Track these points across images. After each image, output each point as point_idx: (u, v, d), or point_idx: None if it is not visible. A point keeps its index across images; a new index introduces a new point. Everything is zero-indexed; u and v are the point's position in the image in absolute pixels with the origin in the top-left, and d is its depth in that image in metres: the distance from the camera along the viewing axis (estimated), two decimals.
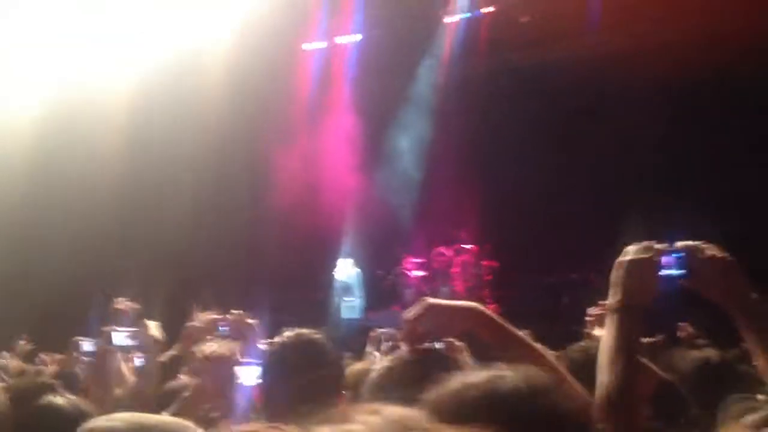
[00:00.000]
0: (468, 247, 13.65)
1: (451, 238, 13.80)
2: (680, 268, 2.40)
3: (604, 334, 2.38)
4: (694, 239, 2.44)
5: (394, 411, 1.16)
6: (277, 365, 2.68)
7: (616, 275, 2.40)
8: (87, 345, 4.86)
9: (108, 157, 14.46)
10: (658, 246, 2.41)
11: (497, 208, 13.25)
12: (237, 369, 3.07)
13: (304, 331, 2.79)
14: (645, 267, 2.37)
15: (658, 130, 12.08)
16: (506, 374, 1.46)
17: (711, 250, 2.40)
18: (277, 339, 2.81)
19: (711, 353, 3.53)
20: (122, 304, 4.95)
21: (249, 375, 3.01)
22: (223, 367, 3.12)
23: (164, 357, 3.79)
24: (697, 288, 2.40)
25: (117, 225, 14.50)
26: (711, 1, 11.18)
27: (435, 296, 11.49)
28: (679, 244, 2.43)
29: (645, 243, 2.42)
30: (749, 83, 11.33)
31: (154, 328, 3.74)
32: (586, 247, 11.90)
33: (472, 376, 1.49)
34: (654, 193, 12.12)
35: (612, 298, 2.39)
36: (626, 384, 2.21)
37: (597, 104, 12.65)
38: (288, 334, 2.78)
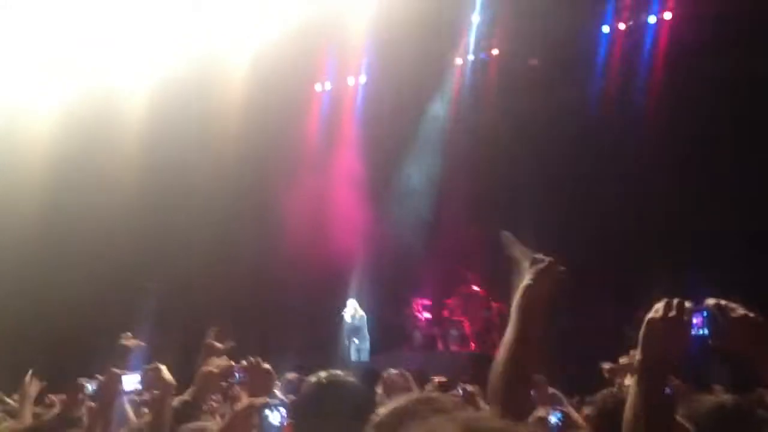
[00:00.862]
0: (477, 289, 13.55)
1: (460, 281, 13.70)
2: (706, 328, 2.35)
3: (630, 390, 2.34)
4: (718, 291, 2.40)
5: None
6: (310, 406, 2.67)
7: (642, 332, 2.34)
8: (92, 386, 4.80)
9: (120, 188, 14.55)
10: (681, 305, 2.34)
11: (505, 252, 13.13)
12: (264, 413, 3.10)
13: (338, 372, 2.83)
14: (671, 326, 2.32)
15: (677, 177, 12.02)
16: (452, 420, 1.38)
17: (739, 309, 2.33)
18: (311, 379, 2.84)
19: (726, 398, 3.43)
20: (128, 340, 4.89)
21: (273, 417, 3.06)
22: (251, 413, 3.12)
23: (176, 402, 3.73)
24: (724, 347, 2.35)
25: (125, 267, 14.49)
26: None
27: (444, 338, 11.46)
28: (707, 302, 2.37)
29: (672, 300, 2.35)
30: None
31: (166, 372, 3.72)
32: (597, 295, 11.80)
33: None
34: (677, 239, 12.01)
35: (638, 356, 2.35)
36: None
37: (611, 146, 12.61)
38: (323, 374, 2.81)
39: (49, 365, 6.09)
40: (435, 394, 2.20)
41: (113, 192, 14.51)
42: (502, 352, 2.53)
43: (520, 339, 2.52)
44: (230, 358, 4.71)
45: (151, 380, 3.82)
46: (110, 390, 3.83)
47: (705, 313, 2.34)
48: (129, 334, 5.04)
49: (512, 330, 2.56)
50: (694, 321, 2.34)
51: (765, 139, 11.22)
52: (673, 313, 2.32)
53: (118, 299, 13.61)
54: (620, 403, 2.64)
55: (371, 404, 2.62)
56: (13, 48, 14.78)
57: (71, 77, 15.41)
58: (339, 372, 2.82)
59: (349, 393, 2.68)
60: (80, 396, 4.95)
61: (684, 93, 12.06)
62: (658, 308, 2.34)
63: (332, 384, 2.71)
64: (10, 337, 12.11)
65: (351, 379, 2.77)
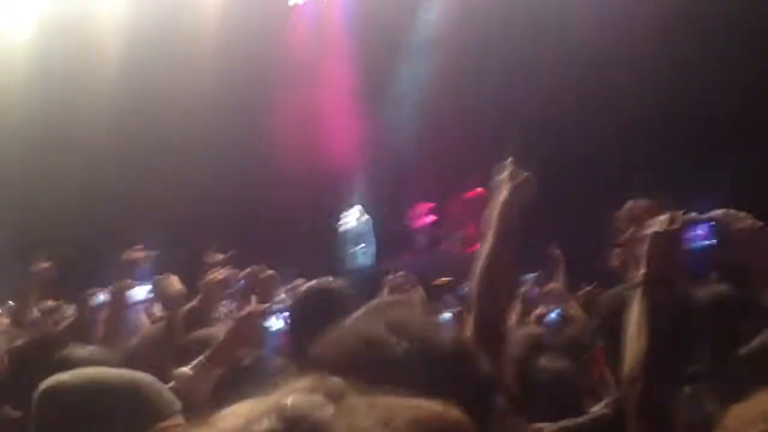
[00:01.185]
0: (479, 190, 13.59)
1: (461, 183, 13.72)
2: (712, 238, 2.36)
3: (635, 306, 2.34)
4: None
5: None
6: (302, 313, 2.73)
7: (642, 248, 2.35)
8: (102, 296, 4.85)
9: (106, 111, 14.45)
10: (685, 217, 2.34)
11: (510, 149, 13.09)
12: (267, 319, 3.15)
13: (327, 280, 2.87)
14: (671, 239, 2.32)
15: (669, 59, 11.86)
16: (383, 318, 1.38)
17: (746, 218, 2.38)
18: (302, 288, 2.91)
19: (723, 287, 3.45)
20: (134, 253, 4.91)
21: (275, 323, 3.10)
22: (253, 320, 3.17)
23: (185, 309, 3.81)
24: (731, 257, 2.41)
25: (114, 175, 14.47)
26: None
27: (447, 242, 11.55)
28: (712, 213, 2.39)
29: (671, 213, 2.36)
30: None
31: (176, 282, 3.80)
32: (608, 186, 11.81)
33: (358, 326, 1.43)
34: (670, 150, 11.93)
35: (638, 271, 2.35)
36: (647, 360, 2.19)
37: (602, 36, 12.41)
38: (312, 283, 2.86)
39: (56, 275, 6.14)
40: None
41: (90, 116, 14.40)
42: (480, 263, 2.54)
43: (497, 251, 2.54)
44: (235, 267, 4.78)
45: (162, 290, 3.89)
46: (121, 300, 3.91)
47: (711, 224, 2.36)
48: (137, 246, 5.04)
49: (490, 241, 2.60)
50: (700, 232, 2.36)
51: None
52: (677, 226, 2.32)
53: (124, 210, 13.74)
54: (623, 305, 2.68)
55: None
56: None
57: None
58: (327, 280, 2.85)
59: (336, 299, 2.70)
60: (90, 306, 5.02)
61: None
62: (653, 222, 2.35)
63: (319, 291, 2.75)
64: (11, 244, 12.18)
65: (338, 285, 2.79)
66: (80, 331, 4.53)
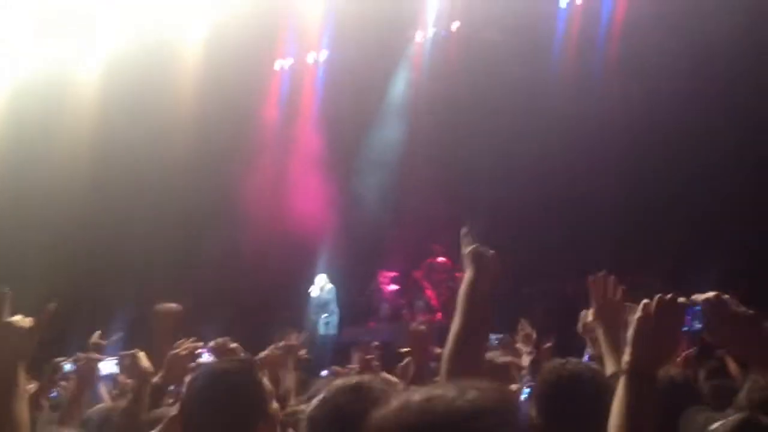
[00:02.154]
0: (442, 260, 13.77)
1: (425, 252, 13.89)
2: (699, 323, 2.19)
3: (617, 394, 2.18)
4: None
5: None
6: (196, 397, 2.61)
7: (632, 332, 2.17)
8: (69, 366, 4.88)
9: (72, 177, 14.41)
10: (681, 300, 2.17)
11: (471, 221, 13.34)
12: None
13: (228, 361, 2.81)
14: (664, 325, 2.14)
15: (636, 150, 12.22)
16: (444, 392, 1.36)
17: (734, 305, 2.19)
18: (200, 370, 2.81)
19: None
20: (96, 338, 4.95)
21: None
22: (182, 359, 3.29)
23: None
24: (716, 342, 2.26)
25: (85, 242, 14.41)
26: None
27: (410, 310, 11.63)
28: (699, 297, 2.21)
29: (664, 296, 2.18)
30: None
31: (144, 358, 3.78)
32: (562, 259, 12.07)
33: (411, 395, 1.38)
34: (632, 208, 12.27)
35: (625, 357, 2.18)
36: None
37: (570, 118, 12.81)
38: (209, 365, 2.82)
39: None
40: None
41: (65, 180, 14.38)
42: (450, 343, 2.51)
43: (466, 327, 2.53)
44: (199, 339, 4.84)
45: (130, 366, 3.87)
46: (88, 374, 3.87)
47: (697, 308, 2.19)
48: (98, 332, 5.07)
49: (459, 320, 2.57)
50: (686, 316, 2.19)
51: (726, 110, 11.49)
52: (665, 311, 2.15)
53: (94, 285, 13.65)
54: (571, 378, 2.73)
55: (253, 395, 2.59)
56: None
57: (21, 58, 15.18)
58: (228, 361, 2.80)
59: (231, 383, 2.56)
60: (57, 376, 5.04)
61: (641, 66, 12.30)
62: (648, 305, 2.18)
63: (214, 375, 2.65)
64: None
65: (235, 367, 2.69)
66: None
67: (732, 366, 5.04)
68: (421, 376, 4.14)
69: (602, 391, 2.63)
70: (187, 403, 2.63)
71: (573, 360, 3.08)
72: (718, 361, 5.33)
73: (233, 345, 4.03)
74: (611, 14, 13.51)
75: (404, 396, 1.38)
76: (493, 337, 7.09)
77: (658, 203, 11.98)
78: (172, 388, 3.90)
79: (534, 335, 6.33)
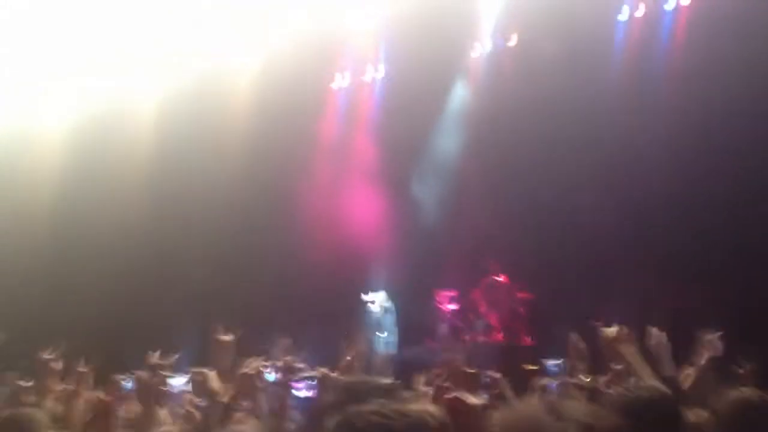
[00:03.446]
0: (501, 279, 13.58)
1: (484, 271, 13.72)
2: None
3: None
4: None
5: None
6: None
7: None
8: (128, 384, 4.88)
9: (136, 200, 14.74)
10: None
11: (534, 240, 13.19)
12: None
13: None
14: None
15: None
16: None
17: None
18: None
19: (750, 392, 3.41)
20: (156, 359, 4.94)
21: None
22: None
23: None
24: None
25: (145, 261, 14.72)
26: None
27: (469, 330, 11.46)
28: None
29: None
30: None
31: (214, 378, 3.79)
32: (623, 276, 11.79)
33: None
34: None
35: None
36: None
37: (630, 129, 12.57)
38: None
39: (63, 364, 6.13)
40: None
41: (127, 202, 14.72)
42: None
43: None
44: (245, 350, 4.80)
45: (199, 386, 3.86)
46: (155, 392, 3.84)
47: None
48: (158, 352, 5.05)
49: None
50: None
51: None
52: None
53: (153, 302, 13.89)
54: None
55: None
56: (18, 59, 14.96)
57: (84, 87, 15.59)
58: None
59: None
60: (116, 394, 5.03)
61: (702, 79, 11.99)
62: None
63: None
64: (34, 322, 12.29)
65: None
66: (107, 417, 4.54)
67: None
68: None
69: None
70: None
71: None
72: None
73: (299, 365, 4.00)
74: (671, 29, 13.22)
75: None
76: (551, 363, 6.94)
77: (712, 225, 11.61)
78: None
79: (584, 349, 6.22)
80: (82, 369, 5.42)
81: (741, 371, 5.70)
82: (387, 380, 2.98)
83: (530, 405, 1.41)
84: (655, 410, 2.77)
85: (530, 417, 1.36)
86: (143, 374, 4.95)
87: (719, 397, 3.37)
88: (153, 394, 3.76)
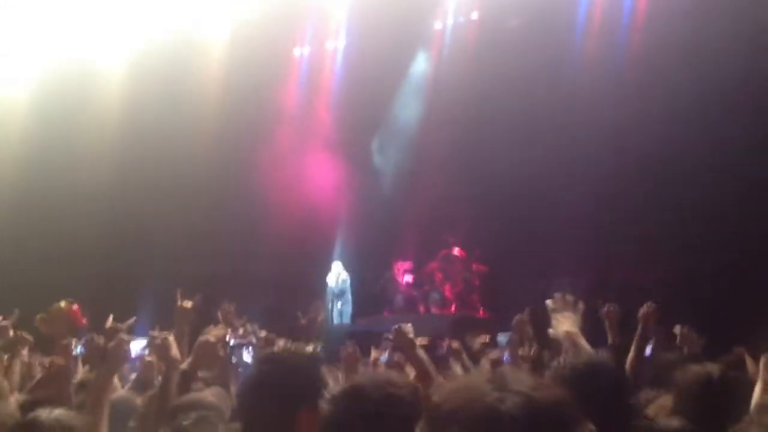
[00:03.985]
0: (457, 252, 13.71)
1: (440, 244, 13.84)
2: None
3: None
4: None
5: None
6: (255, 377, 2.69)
7: None
8: (79, 349, 4.88)
9: (100, 160, 14.59)
10: None
11: (488, 213, 13.32)
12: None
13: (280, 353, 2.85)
14: None
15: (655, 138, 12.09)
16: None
17: None
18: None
19: (712, 368, 3.51)
20: (111, 323, 4.95)
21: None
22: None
23: None
24: None
25: (107, 236, 14.60)
26: None
27: (425, 301, 11.56)
28: None
29: None
30: None
31: (173, 345, 3.78)
32: (577, 251, 11.99)
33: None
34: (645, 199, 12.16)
35: None
36: None
37: (590, 103, 12.69)
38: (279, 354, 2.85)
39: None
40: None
41: (92, 165, 14.56)
42: None
43: None
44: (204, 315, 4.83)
45: (158, 350, 3.85)
46: (118, 356, 3.82)
47: None
48: (111, 317, 5.05)
49: None
50: None
51: (748, 103, 11.34)
52: None
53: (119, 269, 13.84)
54: None
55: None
56: None
57: (49, 52, 15.33)
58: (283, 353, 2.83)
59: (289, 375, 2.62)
60: (70, 358, 5.02)
61: (663, 55, 12.16)
62: None
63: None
64: None
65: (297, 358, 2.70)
66: (60, 380, 4.54)
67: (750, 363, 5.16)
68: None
69: None
70: (245, 383, 2.71)
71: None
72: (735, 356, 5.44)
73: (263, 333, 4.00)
74: (633, 5, 13.36)
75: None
76: (502, 336, 7.11)
77: (673, 198, 11.84)
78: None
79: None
80: (20, 333, 5.41)
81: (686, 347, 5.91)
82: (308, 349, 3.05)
83: (473, 375, 1.46)
84: (597, 379, 2.80)
85: (468, 386, 1.40)
86: (96, 338, 4.96)
87: (682, 372, 3.48)
88: (107, 358, 3.75)
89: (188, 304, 4.35)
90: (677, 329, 6.02)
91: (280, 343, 3.86)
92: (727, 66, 11.22)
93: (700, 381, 3.35)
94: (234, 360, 3.27)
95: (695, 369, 3.46)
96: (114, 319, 5.96)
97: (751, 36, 11.11)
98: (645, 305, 5.24)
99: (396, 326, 3.72)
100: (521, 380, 1.38)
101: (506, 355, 6.40)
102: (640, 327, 4.95)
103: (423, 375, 3.47)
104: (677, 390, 3.41)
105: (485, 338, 7.74)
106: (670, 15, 12.21)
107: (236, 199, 14.58)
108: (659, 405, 3.60)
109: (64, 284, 13.46)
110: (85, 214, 14.41)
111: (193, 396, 3.38)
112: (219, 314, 5.66)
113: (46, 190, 14.69)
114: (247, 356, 3.24)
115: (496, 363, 5.98)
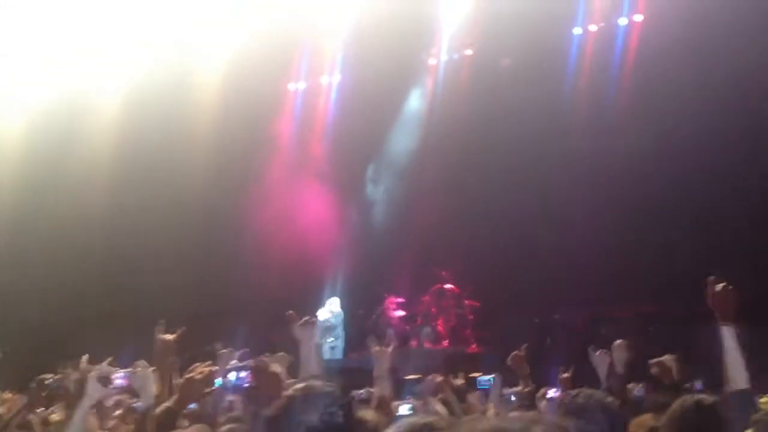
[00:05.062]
0: (450, 287, 13.64)
1: (433, 279, 13.77)
2: None
3: None
4: None
5: None
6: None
7: None
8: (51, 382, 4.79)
9: (93, 192, 14.53)
10: None
11: (481, 250, 13.31)
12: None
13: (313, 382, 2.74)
14: None
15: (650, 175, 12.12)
16: (510, 426, 1.35)
17: None
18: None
19: (703, 397, 3.50)
20: (84, 363, 4.82)
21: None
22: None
23: (159, 409, 3.66)
24: None
25: (97, 267, 14.50)
26: None
27: (417, 336, 11.50)
28: None
29: None
30: None
31: (151, 378, 3.67)
32: (569, 289, 11.95)
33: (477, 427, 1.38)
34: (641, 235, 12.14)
35: None
36: None
37: (582, 140, 12.74)
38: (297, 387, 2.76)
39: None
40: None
41: (87, 195, 14.50)
42: None
43: None
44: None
45: (138, 384, 3.73)
46: (99, 388, 3.72)
47: None
48: (86, 357, 4.88)
49: None
50: None
51: (735, 138, 11.38)
52: None
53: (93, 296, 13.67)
54: None
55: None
56: None
57: (45, 82, 15.34)
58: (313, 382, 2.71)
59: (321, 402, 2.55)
60: (43, 394, 4.92)
61: (652, 93, 12.24)
62: None
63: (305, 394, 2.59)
64: None
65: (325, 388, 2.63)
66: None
67: None
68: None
69: None
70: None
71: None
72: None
73: (275, 367, 3.89)
74: (625, 43, 13.47)
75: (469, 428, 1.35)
76: (481, 379, 7.09)
77: (667, 234, 11.84)
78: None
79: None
80: None
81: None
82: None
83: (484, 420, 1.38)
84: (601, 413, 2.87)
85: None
86: (70, 375, 4.84)
87: (672, 400, 3.46)
88: (84, 397, 3.64)
89: (169, 337, 4.27)
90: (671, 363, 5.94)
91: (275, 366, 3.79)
92: (718, 103, 11.29)
93: (690, 408, 3.33)
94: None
95: (686, 397, 3.45)
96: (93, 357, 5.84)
97: (743, 73, 11.18)
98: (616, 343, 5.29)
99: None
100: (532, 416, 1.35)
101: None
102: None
103: None
104: (668, 416, 3.39)
105: (477, 374, 7.70)
106: (661, 53, 12.31)
107: (228, 233, 14.51)
108: (638, 422, 3.62)
109: (49, 318, 13.39)
110: (75, 244, 14.32)
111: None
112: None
113: (34, 219, 14.58)
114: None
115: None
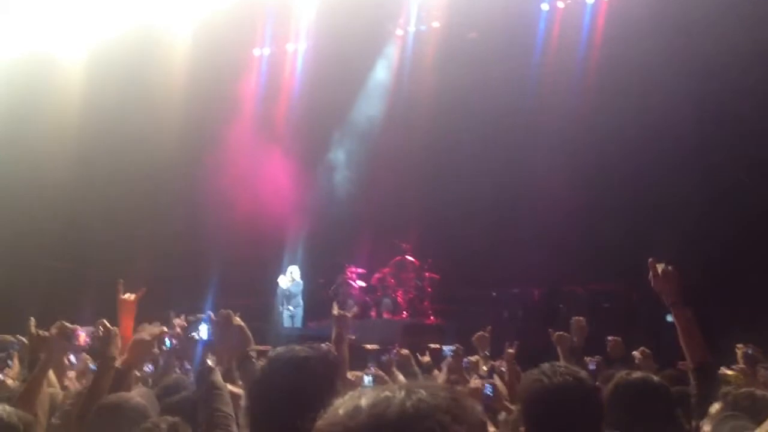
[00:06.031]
0: (410, 258, 13.71)
1: (393, 250, 13.82)
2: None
3: None
4: None
5: None
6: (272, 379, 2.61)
7: None
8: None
9: (58, 153, 14.33)
10: None
11: (442, 222, 13.38)
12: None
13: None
14: None
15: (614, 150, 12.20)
16: (393, 394, 1.30)
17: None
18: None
19: (636, 374, 3.52)
20: (32, 326, 4.76)
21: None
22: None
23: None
24: None
25: (60, 229, 14.32)
26: None
27: (377, 306, 11.56)
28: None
29: None
30: None
31: (116, 341, 3.65)
32: (529, 262, 12.08)
33: (359, 399, 1.32)
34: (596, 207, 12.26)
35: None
36: None
37: (540, 119, 12.83)
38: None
39: None
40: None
41: (50, 157, 14.29)
42: None
43: None
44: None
45: (101, 344, 3.71)
46: (61, 345, 3.69)
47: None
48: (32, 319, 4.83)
49: None
50: None
51: (701, 117, 11.51)
52: None
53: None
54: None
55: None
56: None
57: (10, 44, 15.03)
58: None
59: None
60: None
61: (620, 71, 12.32)
62: None
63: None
64: None
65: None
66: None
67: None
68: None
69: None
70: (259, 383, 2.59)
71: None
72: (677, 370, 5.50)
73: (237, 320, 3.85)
74: (593, 19, 13.53)
75: (352, 400, 1.31)
76: (446, 348, 7.22)
77: (627, 213, 11.98)
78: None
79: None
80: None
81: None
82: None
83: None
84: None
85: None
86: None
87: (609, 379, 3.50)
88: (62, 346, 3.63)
89: (131, 296, 4.22)
90: (635, 353, 6.05)
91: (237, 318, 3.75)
92: (687, 79, 11.40)
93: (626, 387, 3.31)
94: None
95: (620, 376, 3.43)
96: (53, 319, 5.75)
97: (713, 48, 11.25)
98: (575, 319, 5.38)
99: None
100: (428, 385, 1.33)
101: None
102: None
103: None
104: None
105: (436, 345, 7.80)
106: (629, 29, 12.38)
107: (190, 197, 14.42)
108: None
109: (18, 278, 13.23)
110: (38, 208, 14.13)
111: (118, 396, 3.28)
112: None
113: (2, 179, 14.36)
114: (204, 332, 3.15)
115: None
